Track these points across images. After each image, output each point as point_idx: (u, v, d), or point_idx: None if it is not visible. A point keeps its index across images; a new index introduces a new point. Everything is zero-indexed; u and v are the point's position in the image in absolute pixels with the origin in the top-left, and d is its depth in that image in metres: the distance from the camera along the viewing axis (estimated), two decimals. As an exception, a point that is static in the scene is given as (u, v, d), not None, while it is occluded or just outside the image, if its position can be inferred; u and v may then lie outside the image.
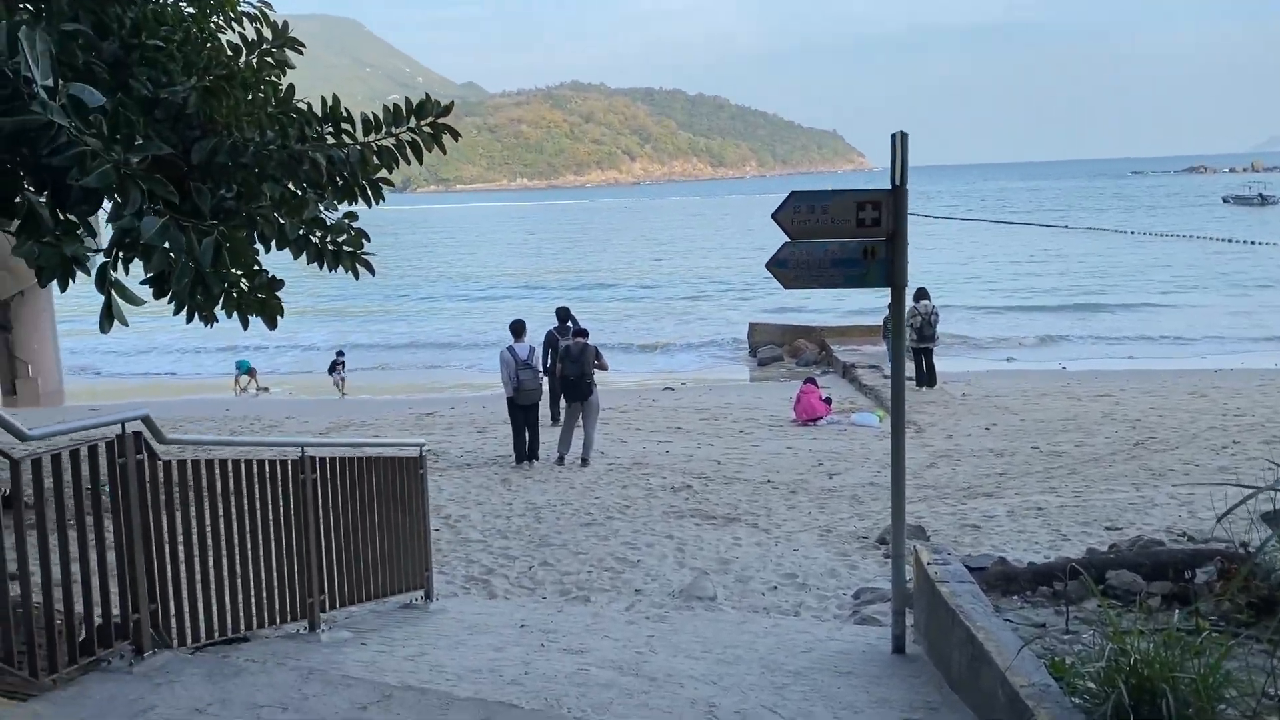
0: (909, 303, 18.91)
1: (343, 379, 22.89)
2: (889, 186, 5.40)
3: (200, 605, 4.99)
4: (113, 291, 7.05)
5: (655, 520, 9.76)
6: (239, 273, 10.41)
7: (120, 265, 7.02)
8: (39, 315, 22.49)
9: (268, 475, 5.44)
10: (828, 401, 15.75)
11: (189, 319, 9.92)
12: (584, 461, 12.46)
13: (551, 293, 39.38)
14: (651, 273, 49.82)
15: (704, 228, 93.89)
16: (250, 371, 23.79)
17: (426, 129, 9.23)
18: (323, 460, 5.90)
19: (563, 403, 13.48)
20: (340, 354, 23.72)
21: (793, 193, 5.36)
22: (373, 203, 10.09)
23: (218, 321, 9.85)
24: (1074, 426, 14.31)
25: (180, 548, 4.83)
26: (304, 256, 9.88)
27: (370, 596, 6.35)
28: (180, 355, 30.35)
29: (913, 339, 17.77)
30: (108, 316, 7.06)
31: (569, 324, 14.72)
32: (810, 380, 15.85)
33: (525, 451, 12.56)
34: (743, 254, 62.92)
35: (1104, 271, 41.94)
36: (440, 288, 47.30)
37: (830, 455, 13.02)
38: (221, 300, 9.25)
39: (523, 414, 12.54)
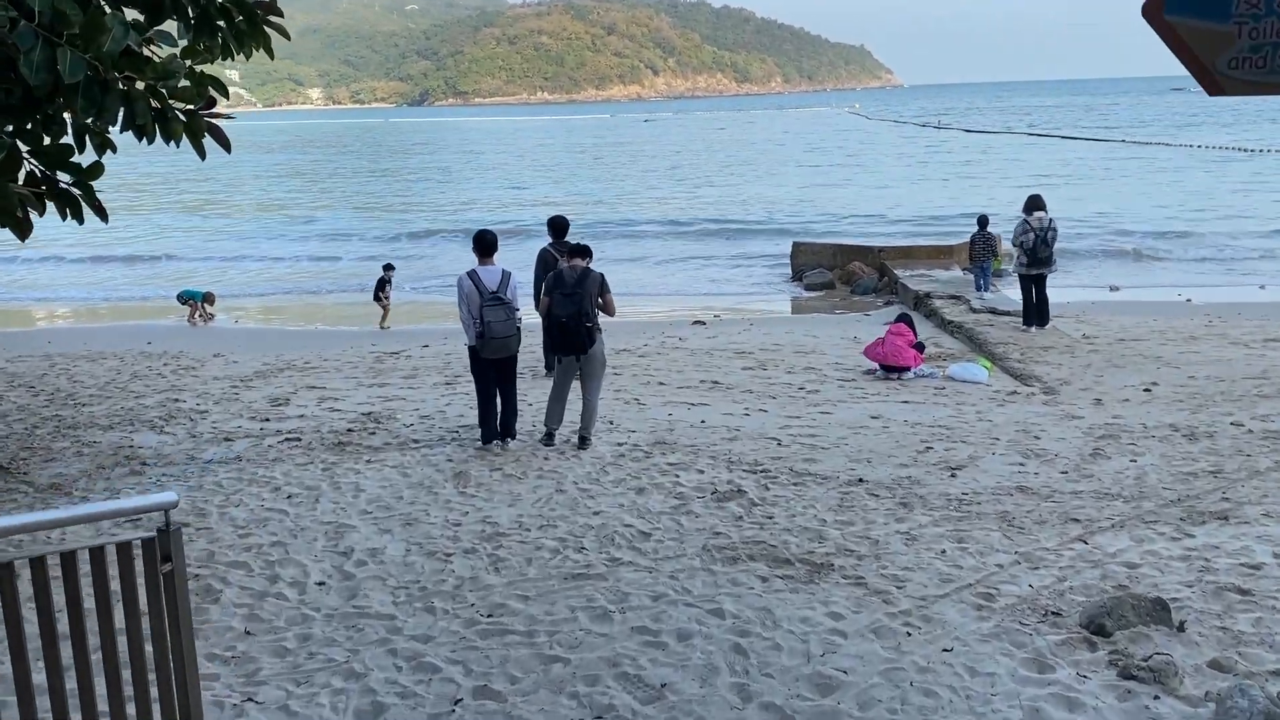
0: (1017, 216, 14.78)
1: (388, 302, 18.06)
2: None
3: None
4: None
5: (691, 569, 5.82)
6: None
7: None
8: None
9: None
10: (920, 349, 11.67)
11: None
12: (582, 441, 8.48)
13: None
14: (679, 200, 43.64)
15: (734, 145, 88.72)
16: (207, 298, 19.47)
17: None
18: None
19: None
20: (389, 268, 18.69)
21: None
22: (243, 46, 5.95)
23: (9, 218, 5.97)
24: (1272, 389, 10.24)
25: None
26: (109, 120, 5.75)
27: None
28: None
29: (1022, 263, 13.60)
30: None
31: (569, 240, 10.76)
32: (903, 318, 11.71)
33: (495, 426, 8.52)
34: (777, 169, 58.31)
35: (1189, 192, 36.95)
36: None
37: (938, 431, 9.02)
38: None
39: (492, 371, 8.40)
